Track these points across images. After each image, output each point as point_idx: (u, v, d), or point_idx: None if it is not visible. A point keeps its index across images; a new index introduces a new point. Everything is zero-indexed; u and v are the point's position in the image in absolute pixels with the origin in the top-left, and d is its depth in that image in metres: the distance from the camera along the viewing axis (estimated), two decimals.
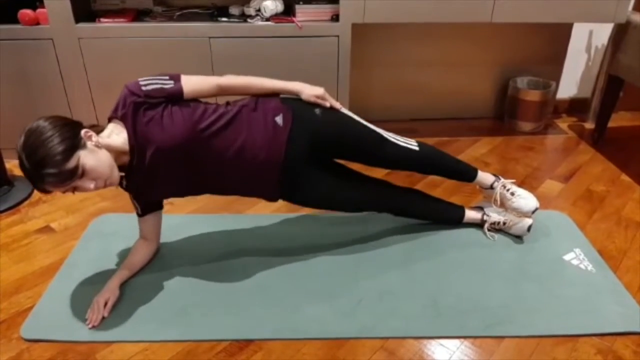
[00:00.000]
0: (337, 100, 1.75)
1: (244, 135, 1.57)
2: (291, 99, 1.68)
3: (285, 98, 1.68)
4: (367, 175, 1.91)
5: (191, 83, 1.56)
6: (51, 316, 1.60)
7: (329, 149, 1.75)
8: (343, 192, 1.81)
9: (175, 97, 1.53)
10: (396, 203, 1.93)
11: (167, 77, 1.54)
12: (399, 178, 2.30)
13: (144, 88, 1.50)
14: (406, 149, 1.81)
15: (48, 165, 1.34)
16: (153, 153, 1.50)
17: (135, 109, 1.49)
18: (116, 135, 1.51)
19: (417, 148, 1.83)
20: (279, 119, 1.62)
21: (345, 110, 1.75)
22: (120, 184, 1.59)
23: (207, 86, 1.59)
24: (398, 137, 1.82)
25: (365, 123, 1.76)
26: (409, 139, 1.85)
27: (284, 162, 1.62)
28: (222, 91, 1.62)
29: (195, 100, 1.58)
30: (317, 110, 1.69)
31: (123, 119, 1.50)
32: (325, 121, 1.69)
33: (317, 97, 1.68)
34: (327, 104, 1.70)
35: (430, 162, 1.90)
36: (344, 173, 1.87)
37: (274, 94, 1.69)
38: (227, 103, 1.64)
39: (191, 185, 1.65)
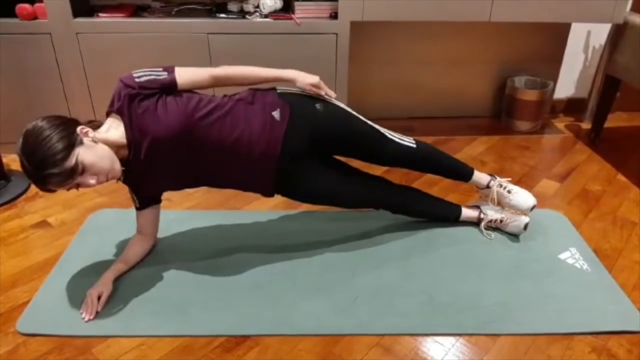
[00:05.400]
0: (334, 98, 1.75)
1: (240, 129, 1.57)
2: (289, 94, 1.68)
3: (283, 92, 1.68)
4: (366, 172, 1.91)
5: (185, 74, 1.57)
6: (47, 311, 1.60)
7: (329, 144, 1.75)
8: (341, 188, 1.82)
9: (169, 88, 1.54)
10: (394, 200, 1.93)
11: (161, 69, 1.56)
12: (396, 176, 2.31)
13: (137, 80, 1.50)
14: (404, 147, 1.82)
15: (49, 166, 1.35)
16: (149, 144, 1.51)
17: (130, 101, 1.49)
18: (114, 129, 1.52)
19: (414, 146, 1.84)
20: (276, 114, 1.62)
21: (341, 104, 1.75)
22: (119, 178, 1.59)
23: (201, 77, 1.59)
24: (397, 135, 1.82)
25: (365, 120, 1.77)
26: (407, 137, 1.85)
27: (281, 157, 1.63)
28: (217, 81, 1.62)
29: (190, 91, 1.59)
30: (318, 106, 1.68)
31: (119, 112, 1.51)
32: (326, 117, 1.69)
33: (312, 85, 1.67)
34: (322, 92, 1.69)
35: (427, 160, 1.90)
36: (342, 169, 1.87)
37: (270, 86, 1.68)
38: (224, 96, 1.64)
39: (188, 177, 1.65)
